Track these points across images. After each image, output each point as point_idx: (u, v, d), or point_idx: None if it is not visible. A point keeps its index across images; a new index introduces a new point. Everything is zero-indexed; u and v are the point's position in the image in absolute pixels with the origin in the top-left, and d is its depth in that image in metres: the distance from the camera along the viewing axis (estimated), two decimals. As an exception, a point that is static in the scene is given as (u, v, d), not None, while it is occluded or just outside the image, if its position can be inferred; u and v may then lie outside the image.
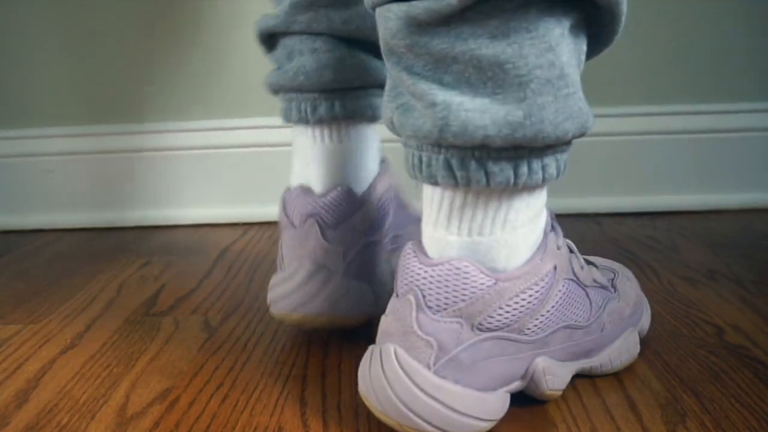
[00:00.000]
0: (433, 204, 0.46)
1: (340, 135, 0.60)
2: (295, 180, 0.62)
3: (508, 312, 0.44)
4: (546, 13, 0.40)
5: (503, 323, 0.45)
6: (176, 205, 1.12)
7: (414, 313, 0.44)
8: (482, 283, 0.44)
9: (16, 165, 1.13)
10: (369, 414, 0.50)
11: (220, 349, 0.62)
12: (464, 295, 0.44)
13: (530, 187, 0.44)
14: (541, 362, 0.47)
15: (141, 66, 1.09)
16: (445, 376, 0.44)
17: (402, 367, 0.43)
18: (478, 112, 0.40)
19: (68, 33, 1.09)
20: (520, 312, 0.45)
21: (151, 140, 1.10)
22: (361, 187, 0.60)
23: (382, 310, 0.49)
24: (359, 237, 0.59)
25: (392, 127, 0.46)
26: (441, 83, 0.41)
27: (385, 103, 0.46)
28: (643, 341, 0.61)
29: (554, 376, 0.48)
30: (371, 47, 0.59)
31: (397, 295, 0.46)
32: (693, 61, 1.06)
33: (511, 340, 0.45)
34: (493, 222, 0.44)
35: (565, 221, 0.61)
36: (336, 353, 0.60)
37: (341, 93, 0.59)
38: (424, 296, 0.44)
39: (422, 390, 0.43)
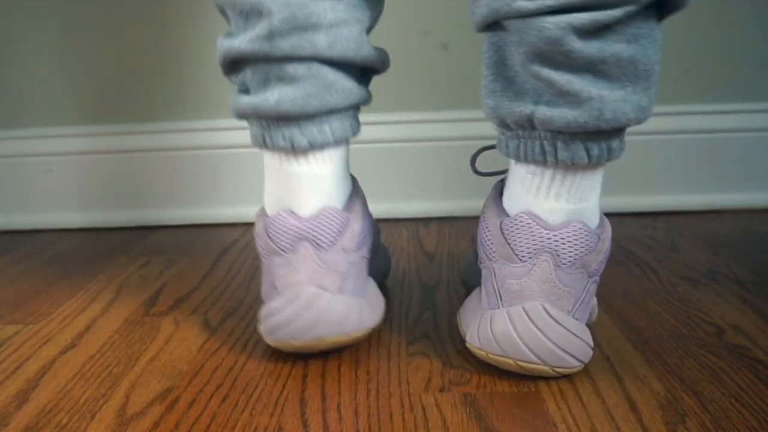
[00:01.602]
0: (554, 183, 0.54)
1: (324, 158, 0.58)
2: (272, 205, 0.60)
3: (604, 257, 0.55)
4: (654, 19, 0.51)
5: (600, 266, 0.55)
6: (176, 205, 1.12)
7: (554, 271, 0.52)
8: (595, 238, 0.54)
9: (16, 165, 1.13)
10: (369, 414, 0.50)
11: (220, 349, 0.62)
12: (586, 249, 0.53)
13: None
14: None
15: (141, 66, 1.09)
16: (578, 318, 0.53)
17: (553, 318, 0.52)
18: (621, 101, 0.50)
19: (68, 33, 1.09)
20: (605, 257, 0.55)
21: (151, 140, 1.10)
22: (342, 205, 0.59)
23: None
24: (351, 254, 0.58)
25: (525, 124, 0.53)
26: (591, 81, 0.50)
27: (505, 101, 0.54)
28: (644, 341, 0.61)
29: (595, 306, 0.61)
30: (352, 69, 0.58)
31: (521, 260, 0.53)
32: (693, 62, 1.06)
33: (598, 283, 0.56)
34: (590, 189, 0.54)
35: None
36: (336, 353, 0.60)
37: (327, 118, 0.57)
38: (558, 255, 0.52)
39: (572, 333, 0.52)
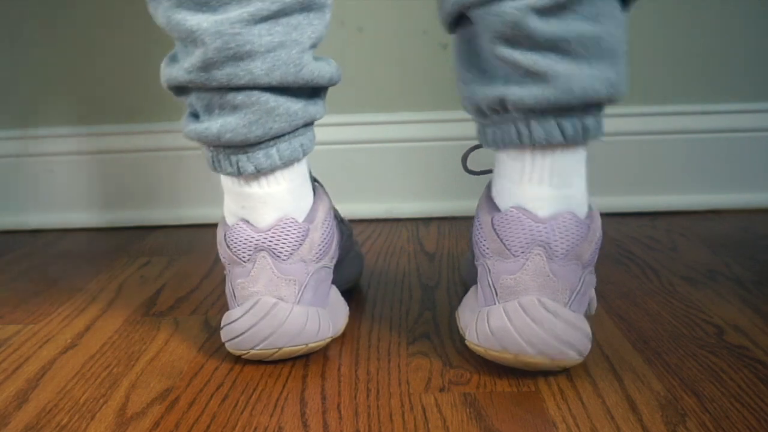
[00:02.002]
0: (535, 166, 0.54)
1: (276, 179, 0.58)
2: (232, 217, 0.60)
3: (596, 247, 0.55)
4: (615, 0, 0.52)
5: (593, 257, 0.55)
6: (176, 205, 1.12)
7: (547, 264, 0.53)
8: (585, 227, 0.54)
9: (16, 165, 1.13)
10: (369, 414, 0.50)
11: (220, 349, 0.62)
12: (577, 239, 0.53)
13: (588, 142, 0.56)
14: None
15: (141, 66, 1.09)
16: (575, 310, 0.53)
17: (549, 310, 0.52)
18: (588, 77, 0.51)
19: (69, 33, 1.09)
20: (597, 246, 0.55)
21: (151, 140, 1.10)
22: (302, 216, 0.59)
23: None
24: (310, 264, 0.58)
25: (498, 107, 0.54)
26: (556, 59, 0.51)
27: (478, 88, 0.55)
28: (644, 341, 0.61)
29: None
30: (297, 90, 0.57)
31: (514, 255, 0.53)
32: (693, 62, 1.06)
33: (594, 273, 0.57)
34: (572, 173, 0.54)
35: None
36: (336, 353, 0.60)
37: (273, 142, 0.57)
38: (550, 247, 0.53)
39: (569, 324, 0.52)
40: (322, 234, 0.59)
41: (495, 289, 0.54)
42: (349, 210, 1.07)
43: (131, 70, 1.09)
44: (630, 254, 0.86)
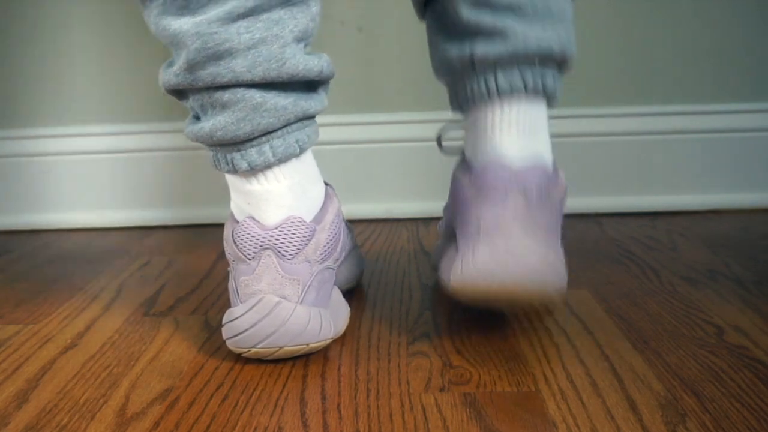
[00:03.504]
0: (503, 116, 0.60)
1: (275, 176, 0.58)
2: (239, 213, 0.60)
3: (563, 195, 0.61)
4: None
5: (562, 203, 0.61)
6: (176, 205, 1.12)
7: (526, 204, 0.57)
8: (555, 175, 0.60)
9: (16, 165, 1.13)
10: (369, 414, 0.50)
11: (220, 349, 0.62)
12: (548, 186, 0.58)
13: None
14: None
15: (141, 66, 1.09)
16: (552, 244, 0.58)
17: (533, 244, 0.56)
18: (541, 34, 0.58)
19: (68, 33, 1.09)
20: (564, 194, 0.61)
21: (151, 140, 1.10)
22: (310, 215, 0.60)
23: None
24: (314, 265, 0.58)
25: (468, 64, 0.60)
26: (513, 19, 0.58)
27: (449, 47, 0.61)
28: (644, 341, 0.61)
29: None
30: (287, 85, 0.57)
31: (493, 198, 0.58)
32: (693, 61, 1.06)
33: (563, 213, 0.62)
34: (537, 123, 0.60)
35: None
36: (336, 353, 0.60)
37: (266, 138, 0.57)
38: (526, 190, 0.57)
39: (551, 257, 0.57)
40: (329, 235, 0.60)
41: (480, 231, 0.57)
42: (349, 210, 1.07)
43: (130, 71, 1.09)
44: (630, 254, 0.86)
